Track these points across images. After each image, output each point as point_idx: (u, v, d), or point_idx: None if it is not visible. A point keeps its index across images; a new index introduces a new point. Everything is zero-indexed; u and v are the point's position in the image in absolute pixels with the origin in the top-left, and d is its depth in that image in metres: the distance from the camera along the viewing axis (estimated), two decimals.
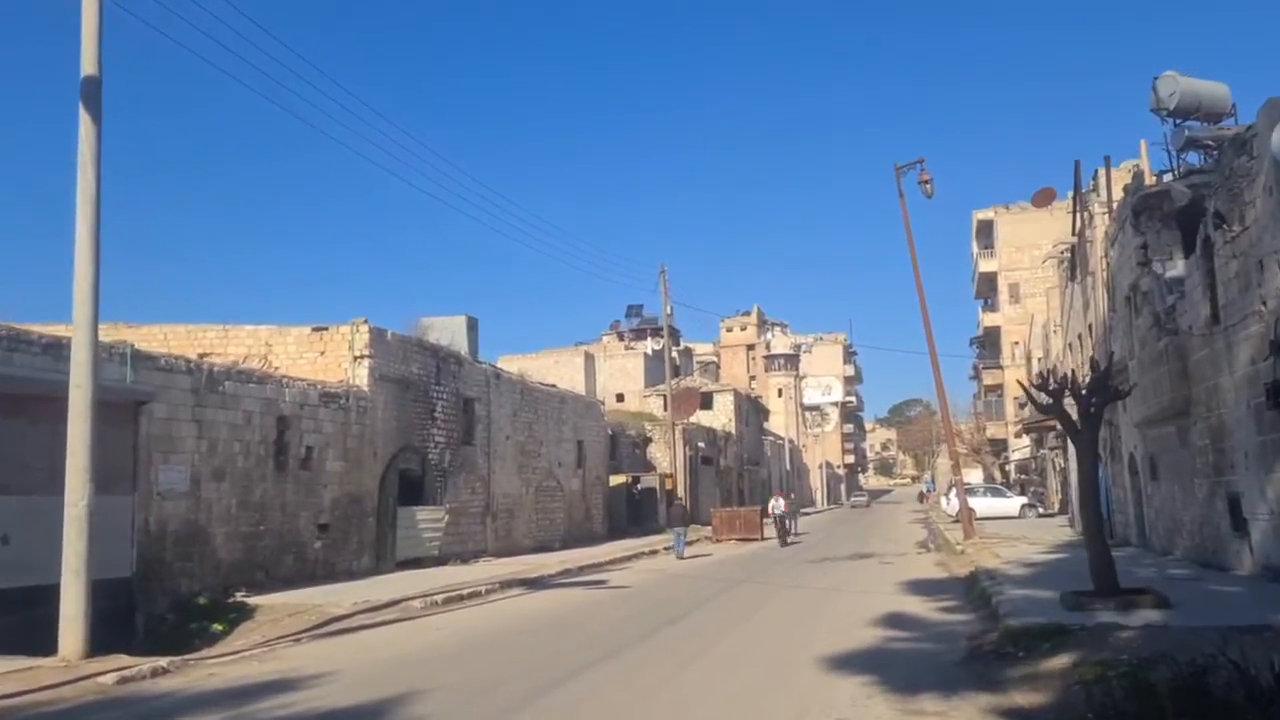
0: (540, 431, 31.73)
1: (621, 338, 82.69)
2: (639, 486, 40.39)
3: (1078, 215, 26.99)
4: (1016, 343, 60.43)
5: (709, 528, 37.05)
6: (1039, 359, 51.91)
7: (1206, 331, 16.09)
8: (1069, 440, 16.79)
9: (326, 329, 23.52)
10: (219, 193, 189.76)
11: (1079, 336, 28.69)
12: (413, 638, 13.42)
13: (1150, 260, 20.68)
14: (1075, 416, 13.30)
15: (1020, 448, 58.86)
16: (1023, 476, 57.23)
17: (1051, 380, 14.45)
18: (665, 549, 30.61)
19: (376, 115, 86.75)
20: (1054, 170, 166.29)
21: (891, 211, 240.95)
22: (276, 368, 23.06)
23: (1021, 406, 59.47)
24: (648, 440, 45.04)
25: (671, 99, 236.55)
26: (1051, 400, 13.91)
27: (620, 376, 56.60)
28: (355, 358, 23.19)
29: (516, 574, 21.97)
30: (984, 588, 15.66)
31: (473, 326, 28.82)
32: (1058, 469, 45.65)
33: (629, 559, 27.55)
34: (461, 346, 27.85)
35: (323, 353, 23.38)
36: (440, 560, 24.91)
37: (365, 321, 23.28)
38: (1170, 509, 19.67)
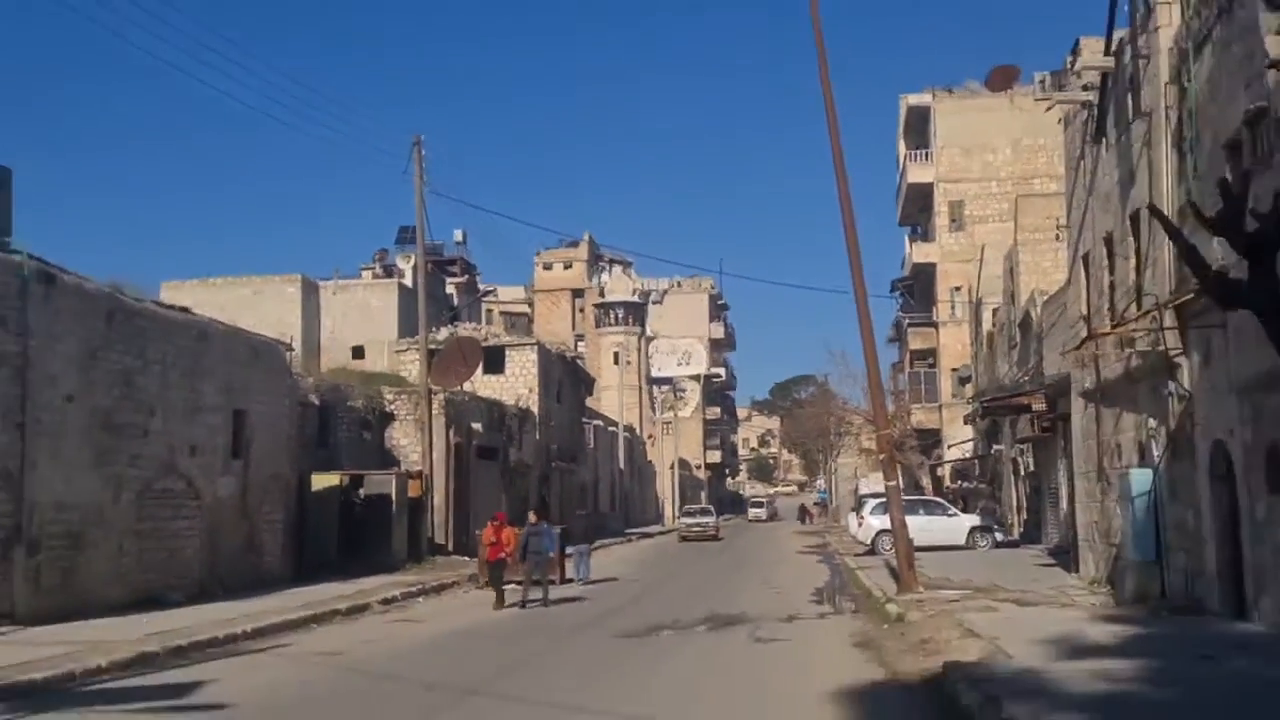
0: (151, 390, 23.38)
1: (390, 273, 74.59)
2: (363, 494, 32.58)
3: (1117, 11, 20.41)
4: (958, 287, 56.79)
5: (475, 561, 30.95)
6: (994, 310, 47.27)
7: None
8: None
9: None
10: None
11: (1105, 239, 22.16)
12: None
13: None
14: None
15: (958, 442, 54.32)
16: (963, 484, 52.71)
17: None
18: (382, 603, 24.82)
19: None
20: (1021, 45, 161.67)
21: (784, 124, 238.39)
22: None
23: (963, 382, 54.89)
24: (388, 417, 37.26)
25: None
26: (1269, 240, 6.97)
27: (360, 320, 48.40)
28: None
29: None
30: None
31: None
32: (1024, 472, 40.56)
33: (301, 624, 20.89)
34: None
35: None
36: None
37: None
38: None
